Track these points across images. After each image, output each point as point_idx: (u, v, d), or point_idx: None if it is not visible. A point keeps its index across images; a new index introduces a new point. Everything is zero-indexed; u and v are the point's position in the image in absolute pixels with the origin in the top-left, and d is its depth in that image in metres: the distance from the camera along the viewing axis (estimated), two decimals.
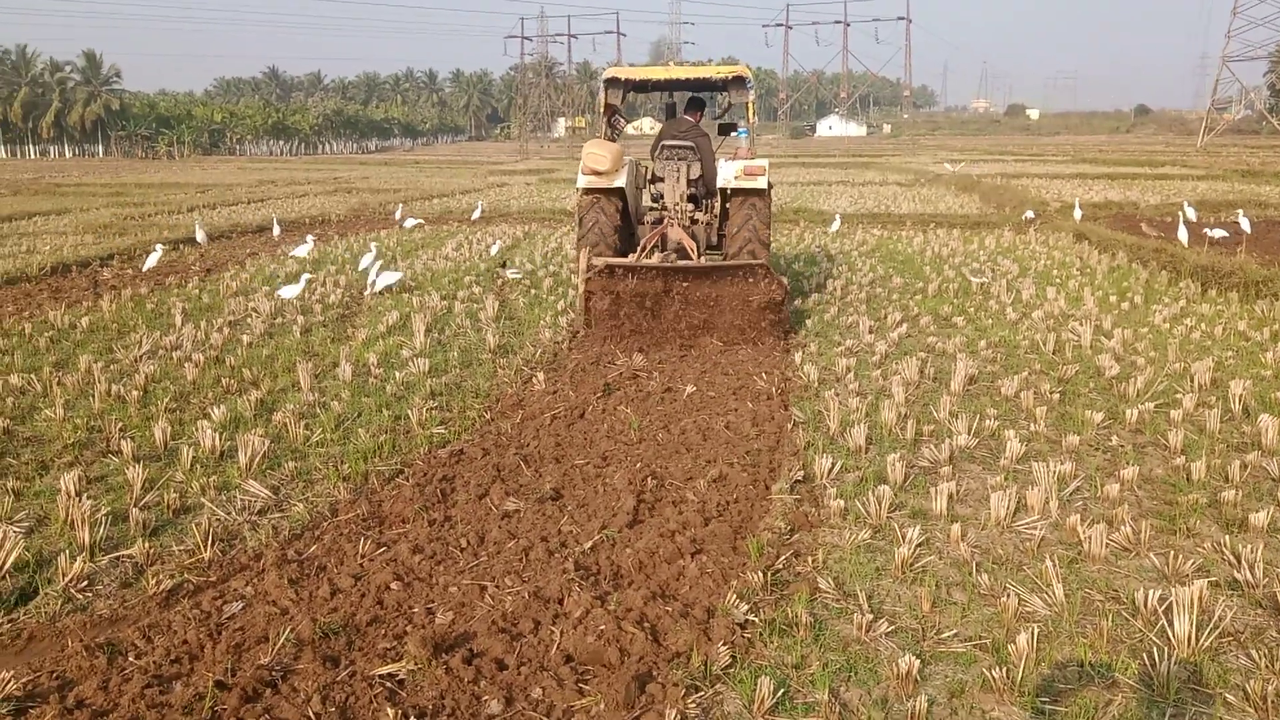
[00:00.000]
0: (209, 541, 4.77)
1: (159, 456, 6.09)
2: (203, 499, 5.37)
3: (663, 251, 9.92)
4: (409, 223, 19.32)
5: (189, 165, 64.77)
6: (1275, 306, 10.51)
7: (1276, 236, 16.71)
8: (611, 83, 10.91)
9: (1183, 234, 14.79)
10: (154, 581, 4.43)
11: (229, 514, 5.21)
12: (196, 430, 6.39)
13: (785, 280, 9.84)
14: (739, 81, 10.80)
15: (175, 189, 34.07)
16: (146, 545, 4.72)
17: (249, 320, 10.34)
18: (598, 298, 9.36)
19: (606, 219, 10.32)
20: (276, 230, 19.01)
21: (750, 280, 9.30)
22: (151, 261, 13.84)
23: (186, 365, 8.17)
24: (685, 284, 9.32)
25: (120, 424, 6.62)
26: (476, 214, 21.69)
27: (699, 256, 10.09)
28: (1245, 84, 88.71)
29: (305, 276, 11.81)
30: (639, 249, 10.06)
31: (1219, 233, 15.34)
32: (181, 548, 4.79)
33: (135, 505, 5.20)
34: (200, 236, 17.35)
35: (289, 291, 11.21)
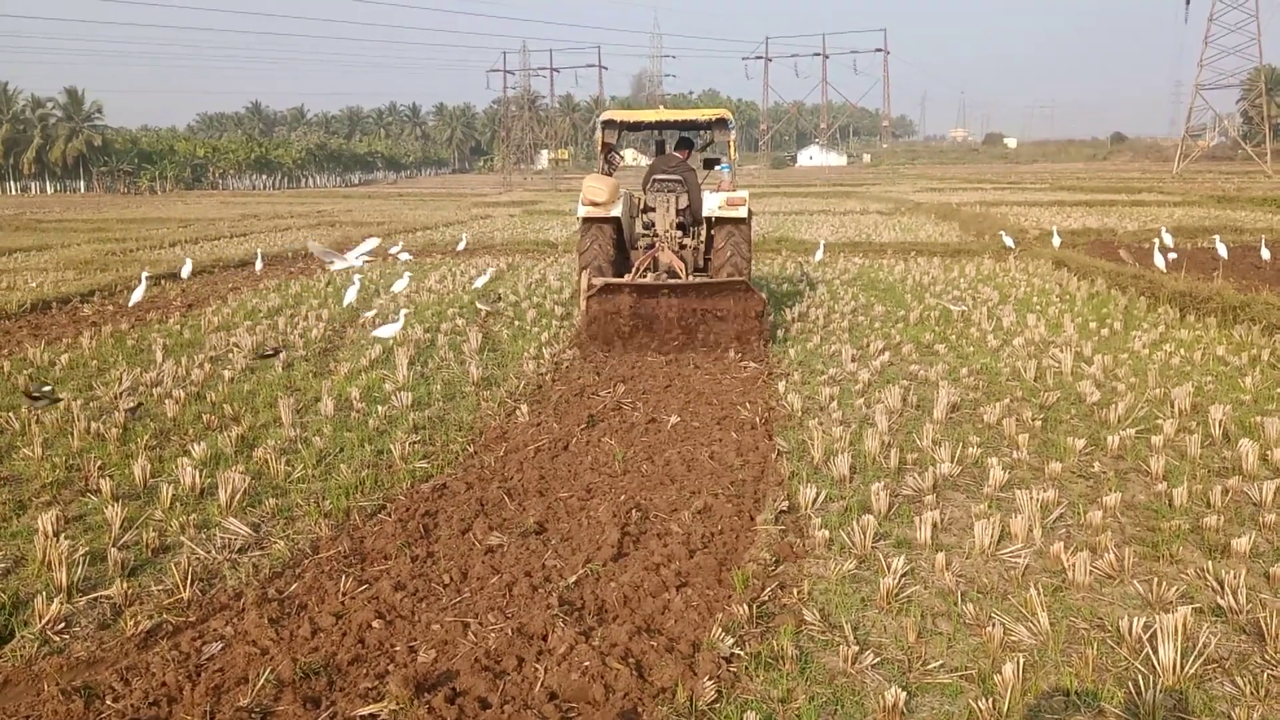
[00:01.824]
0: (188, 581, 4.71)
1: (138, 495, 6.03)
2: (182, 538, 5.31)
3: (655, 272, 11.21)
4: (403, 256, 19.28)
5: (171, 200, 64.67)
6: (1253, 331, 10.60)
7: (1253, 261, 16.89)
8: (608, 124, 12.30)
9: (1159, 260, 14.95)
10: (132, 622, 4.37)
11: (209, 553, 5.15)
12: (176, 468, 6.33)
13: (764, 295, 11.07)
14: (721, 123, 12.29)
15: (157, 224, 34.01)
16: (125, 585, 4.66)
17: (230, 355, 10.29)
18: (598, 313, 10.58)
19: (604, 245, 11.47)
20: (259, 264, 18.95)
21: (733, 295, 10.58)
22: (137, 296, 13.72)
23: (167, 402, 8.10)
24: (676, 300, 10.59)
25: (99, 462, 6.56)
26: (461, 245, 21.69)
27: (687, 277, 11.24)
28: (1219, 111, 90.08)
29: (404, 312, 11.07)
30: (633, 270, 11.36)
31: (1171, 255, 15.58)
32: (160, 587, 4.73)
33: (114, 545, 5.14)
34: (186, 272, 17.11)
35: (387, 331, 10.45)
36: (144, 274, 14.68)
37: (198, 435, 7.27)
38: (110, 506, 5.53)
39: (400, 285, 14.00)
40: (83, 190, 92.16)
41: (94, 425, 7.43)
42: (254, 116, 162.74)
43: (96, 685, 3.88)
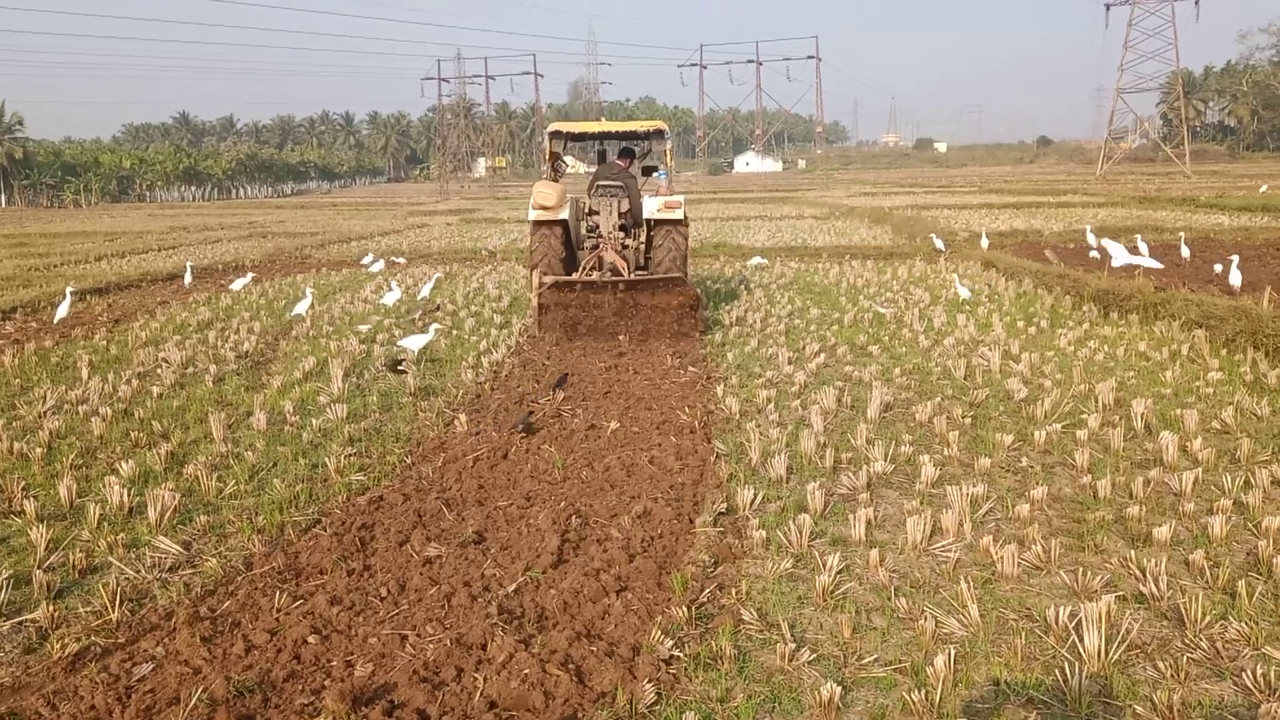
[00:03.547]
0: (117, 601, 4.61)
1: (64, 515, 5.88)
2: (110, 558, 5.19)
3: (600, 271, 12.17)
4: (375, 266, 19.13)
5: (97, 213, 63.03)
6: (1173, 327, 10.95)
7: (1173, 259, 17.43)
8: (555, 135, 13.19)
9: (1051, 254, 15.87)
10: (59, 645, 4.26)
11: (138, 572, 5.05)
12: (104, 486, 6.18)
13: (698, 291, 12.33)
14: (659, 134, 13.41)
15: (82, 238, 33.12)
16: (51, 608, 4.54)
17: (159, 371, 10.07)
18: (549, 308, 11.62)
19: (553, 245, 12.41)
20: (189, 278, 18.59)
21: (670, 290, 11.68)
22: (61, 311, 13.42)
23: (93, 420, 7.91)
24: (619, 294, 11.61)
25: (23, 483, 6.38)
26: (379, 264, 20.66)
27: (629, 274, 12.18)
28: (1139, 114, 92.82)
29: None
30: (580, 269, 12.40)
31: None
32: (88, 609, 4.62)
33: (39, 567, 5.01)
34: (188, 279, 17.99)
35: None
36: (69, 289, 14.37)
37: (125, 453, 7.10)
38: (35, 528, 5.39)
39: (391, 298, 13.78)
40: (3, 204, 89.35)
41: (17, 445, 7.22)
42: (182, 127, 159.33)
43: (22, 711, 3.78)
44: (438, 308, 14.20)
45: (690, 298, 11.69)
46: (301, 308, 13.11)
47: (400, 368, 9.55)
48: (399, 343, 10.73)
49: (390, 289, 14.22)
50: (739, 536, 5.41)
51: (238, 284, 16.10)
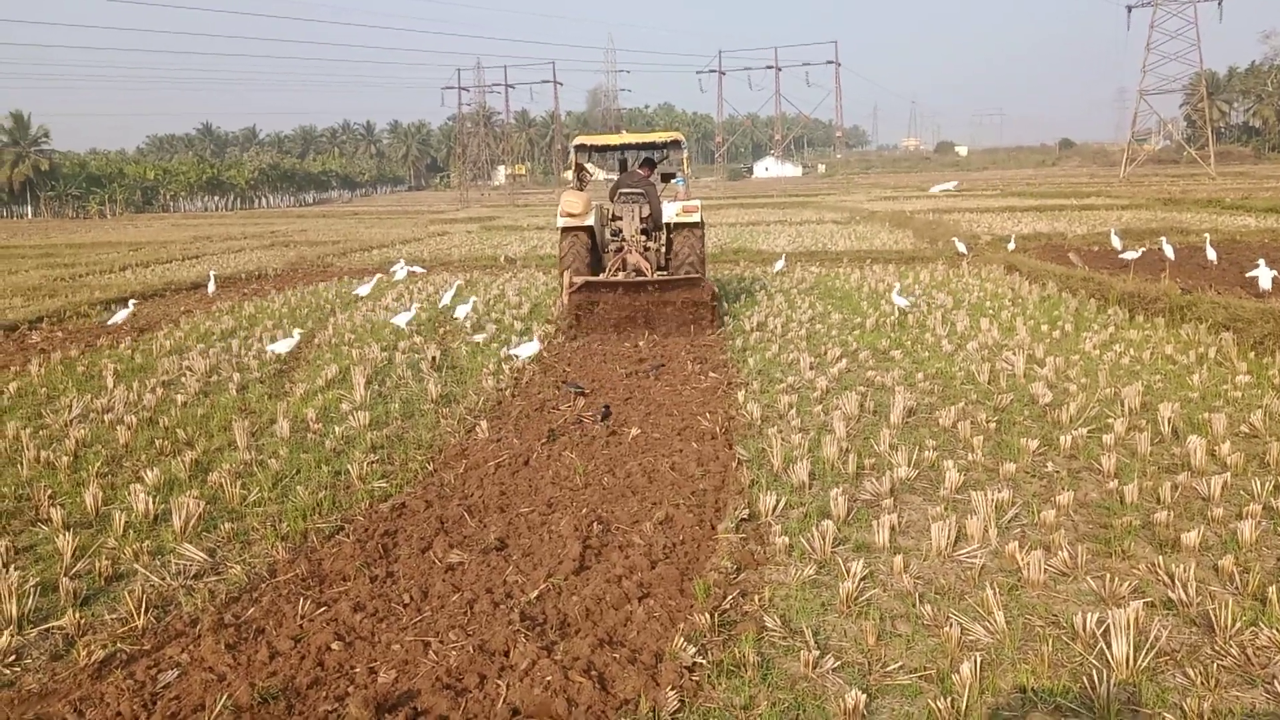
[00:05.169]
0: (143, 609, 4.64)
1: (90, 523, 5.93)
2: (136, 565, 5.23)
3: (624, 271, 13.23)
4: (401, 273, 19.44)
5: (121, 224, 63.72)
6: (1200, 330, 10.83)
7: (1199, 261, 17.28)
8: (580, 148, 14.48)
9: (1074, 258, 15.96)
10: (85, 652, 4.29)
11: (163, 579, 5.08)
12: (129, 494, 6.23)
13: (716, 288, 13.36)
14: (675, 143, 14.52)
15: (107, 248, 33.50)
16: (77, 615, 4.58)
17: (183, 379, 10.15)
18: (580, 306, 12.60)
19: (581, 249, 13.52)
20: (212, 287, 18.76)
21: (690, 288, 12.58)
22: (119, 318, 13.97)
23: (119, 428, 7.98)
24: (643, 293, 12.58)
25: (50, 491, 6.44)
26: (405, 271, 20.75)
27: (652, 274, 13.19)
28: (1162, 116, 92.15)
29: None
30: (606, 270, 13.48)
31: (1128, 254, 17.24)
32: (114, 616, 4.65)
33: (65, 574, 5.04)
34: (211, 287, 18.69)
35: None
36: (131, 301, 15.13)
37: (150, 461, 7.15)
38: (61, 536, 5.43)
39: (463, 311, 13.50)
40: (30, 216, 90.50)
41: (44, 453, 7.29)
42: (205, 138, 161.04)
43: (49, 717, 3.80)
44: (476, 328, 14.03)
45: (708, 294, 12.56)
46: (402, 319, 12.97)
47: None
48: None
49: (465, 302, 13.89)
50: (761, 543, 5.38)
51: (363, 289, 16.76)
